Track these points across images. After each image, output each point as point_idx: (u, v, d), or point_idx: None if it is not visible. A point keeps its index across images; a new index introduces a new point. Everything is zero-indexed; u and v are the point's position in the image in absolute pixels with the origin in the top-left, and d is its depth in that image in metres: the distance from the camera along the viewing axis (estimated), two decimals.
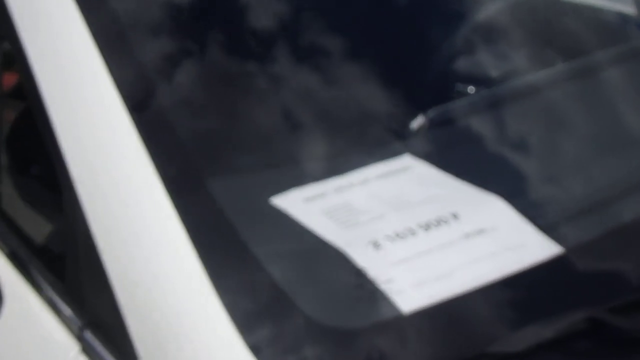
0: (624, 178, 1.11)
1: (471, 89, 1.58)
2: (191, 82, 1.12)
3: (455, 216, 1.02)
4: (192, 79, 1.12)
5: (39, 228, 1.27)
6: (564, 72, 1.45)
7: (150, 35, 1.14)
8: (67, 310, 1.02)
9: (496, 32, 1.66)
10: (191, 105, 1.10)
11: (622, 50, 1.53)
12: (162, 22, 1.17)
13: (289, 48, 1.29)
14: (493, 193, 1.07)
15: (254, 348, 0.82)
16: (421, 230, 1.00)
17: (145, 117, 1.00)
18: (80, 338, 0.98)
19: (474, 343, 0.85)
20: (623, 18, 1.81)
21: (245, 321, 0.84)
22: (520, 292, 0.94)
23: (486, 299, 0.92)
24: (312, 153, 1.17)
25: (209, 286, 0.85)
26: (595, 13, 1.89)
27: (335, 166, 1.13)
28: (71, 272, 1.04)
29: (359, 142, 1.23)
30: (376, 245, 0.96)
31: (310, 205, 1.02)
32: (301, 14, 1.38)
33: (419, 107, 1.29)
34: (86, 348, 0.97)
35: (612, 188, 1.09)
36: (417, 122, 1.29)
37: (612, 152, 1.19)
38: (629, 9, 1.84)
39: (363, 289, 0.89)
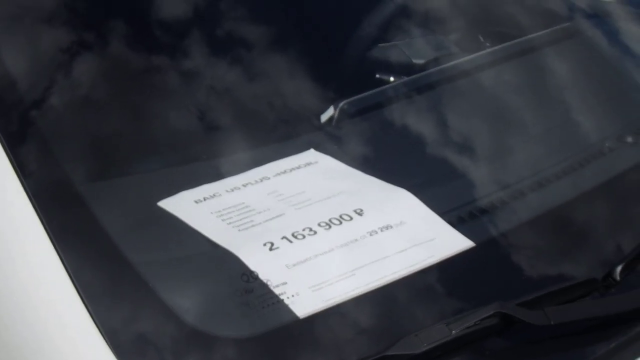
0: (537, 171, 1.05)
1: (391, 79, 1.52)
2: (64, 84, 1.01)
3: (360, 213, 0.95)
4: (64, 80, 1.02)
5: None
6: (484, 58, 1.39)
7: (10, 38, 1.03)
8: None
9: (417, 17, 1.61)
10: (69, 108, 1.00)
11: (557, 30, 1.48)
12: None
13: (182, 38, 1.20)
14: (402, 187, 1.00)
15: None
16: (322, 229, 0.92)
17: (10, 125, 0.90)
18: None
19: (375, 345, 0.78)
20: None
21: (116, 332, 0.75)
22: (427, 288, 0.87)
23: (390, 298, 0.84)
24: (209, 151, 1.09)
25: (76, 296, 0.76)
26: None
27: (235, 164, 1.05)
28: None
29: (264, 138, 1.15)
30: (272, 246, 0.88)
31: (201, 207, 0.94)
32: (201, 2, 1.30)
33: (334, 99, 1.22)
34: None
35: (524, 181, 1.02)
36: (327, 115, 1.21)
37: (528, 143, 1.13)
38: None
39: (253, 294, 0.81)
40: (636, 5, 1.66)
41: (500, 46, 1.45)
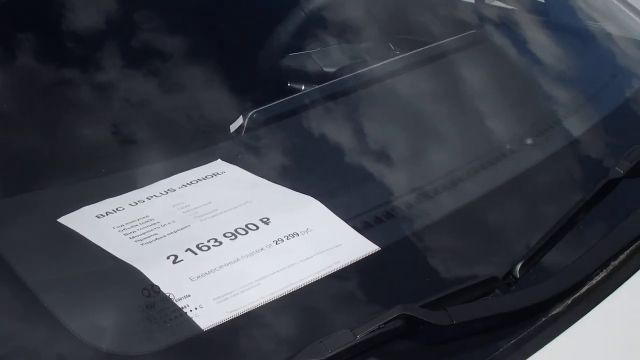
0: (441, 175, 1.07)
1: (303, 87, 1.53)
2: None
3: (266, 221, 0.95)
4: None
5: None
6: (393, 65, 1.41)
7: None
8: None
9: (328, 26, 1.62)
10: None
11: (463, 37, 1.51)
12: None
13: (88, 48, 1.18)
14: (310, 194, 1.01)
15: None
16: (227, 240, 0.91)
17: None
18: None
19: (280, 354, 0.77)
20: (462, 5, 1.81)
21: (10, 356, 0.73)
22: (333, 294, 0.88)
23: (296, 306, 0.84)
24: (114, 164, 1.07)
25: None
26: (434, 0, 1.88)
27: (141, 177, 1.04)
28: None
29: (172, 149, 1.14)
30: (176, 259, 0.87)
31: (103, 222, 0.92)
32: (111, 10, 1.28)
33: (246, 109, 1.22)
34: None
35: (429, 184, 1.04)
36: (236, 124, 1.21)
37: (433, 148, 1.15)
38: None
39: (155, 309, 0.79)
40: (539, 13, 1.71)
41: (409, 53, 1.47)
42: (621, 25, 1.62)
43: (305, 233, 0.93)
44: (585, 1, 1.66)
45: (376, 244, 0.92)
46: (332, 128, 1.21)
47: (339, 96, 1.30)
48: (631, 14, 1.62)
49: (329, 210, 0.96)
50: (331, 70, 1.58)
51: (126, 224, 0.92)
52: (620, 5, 1.63)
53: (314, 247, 0.91)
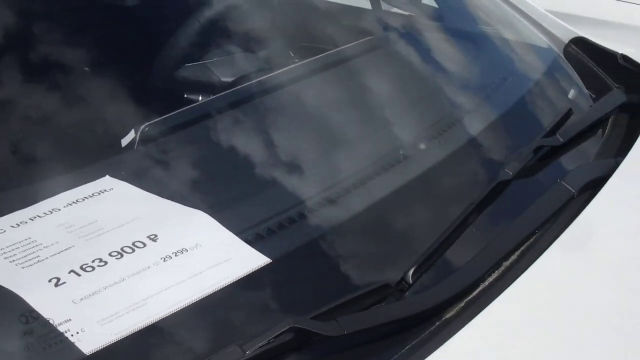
0: (333, 184, 1.06)
1: (200, 98, 1.50)
2: None
3: (154, 239, 0.92)
4: None
5: None
6: (292, 73, 1.40)
7: None
8: None
9: (225, 36, 1.60)
10: None
11: (362, 43, 1.52)
12: None
13: None
14: (202, 208, 0.99)
15: None
16: (113, 259, 0.88)
17: None
18: None
19: None
20: (360, 12, 1.82)
21: None
22: (223, 310, 0.86)
23: (183, 324, 0.82)
24: None
25: None
26: (331, 8, 1.88)
27: (25, 196, 0.99)
28: None
29: (59, 167, 1.10)
30: (58, 282, 0.84)
31: None
32: None
33: (141, 122, 1.19)
34: None
35: (321, 194, 1.04)
36: (128, 138, 1.18)
37: (325, 156, 1.14)
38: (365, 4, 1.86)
39: (33, 335, 0.76)
40: (434, 18, 1.74)
41: (307, 60, 1.47)
42: (513, 29, 1.66)
43: (195, 248, 0.91)
44: (477, 7, 1.69)
45: (268, 256, 0.91)
46: (228, 139, 1.19)
47: (235, 106, 1.29)
48: (522, 18, 1.67)
49: (219, 224, 0.94)
50: (229, 79, 1.56)
51: (6, 247, 0.88)
52: (511, 10, 1.67)
53: (203, 263, 0.89)
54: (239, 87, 1.37)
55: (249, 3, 1.66)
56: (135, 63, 1.51)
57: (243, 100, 1.31)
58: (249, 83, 1.38)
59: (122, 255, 0.89)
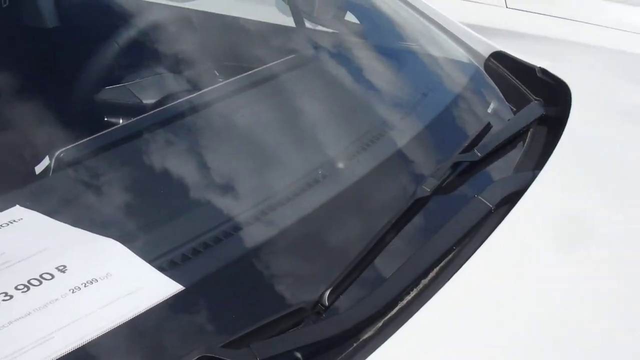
0: (249, 207, 1.05)
1: (120, 121, 1.48)
2: None
3: (62, 270, 0.90)
4: None
5: None
6: (216, 92, 1.39)
7: None
8: None
9: (147, 56, 1.58)
10: None
11: (286, 61, 1.52)
12: None
13: None
14: (115, 236, 0.96)
15: None
16: (19, 293, 0.86)
17: None
18: None
19: None
20: (284, 30, 1.82)
21: None
22: (133, 341, 0.84)
23: (90, 356, 0.80)
24: None
25: None
26: (255, 26, 1.88)
27: None
28: None
29: None
30: None
31: None
32: None
33: (58, 147, 1.16)
34: None
35: (235, 218, 1.02)
36: (42, 165, 1.15)
37: (248, 178, 1.13)
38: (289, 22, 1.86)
39: None
40: (358, 35, 1.75)
41: (230, 80, 1.46)
42: (434, 45, 1.68)
43: (105, 278, 0.89)
44: (399, 23, 1.70)
45: (181, 283, 0.89)
46: (146, 163, 1.17)
47: (155, 129, 1.27)
48: (443, 34, 1.69)
49: (131, 252, 0.92)
50: (150, 101, 1.54)
51: None
52: (432, 26, 1.69)
53: (113, 293, 0.87)
54: (159, 109, 1.35)
55: (169, 23, 1.64)
56: (53, 86, 1.48)
57: (163, 122, 1.29)
58: (170, 104, 1.37)
59: (28, 289, 0.86)
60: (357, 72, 1.52)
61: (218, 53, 1.71)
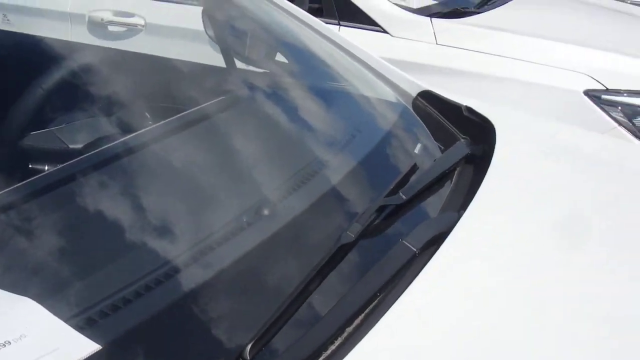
0: (174, 256, 1.04)
1: (46, 167, 1.45)
2: None
3: None
4: None
5: None
6: (146, 135, 1.38)
7: None
8: None
9: (74, 99, 1.56)
10: None
11: (217, 102, 1.51)
12: None
13: None
14: (30, 294, 0.94)
15: None
16: None
17: None
18: None
19: None
20: (216, 71, 1.82)
21: None
22: None
23: None
24: None
25: None
26: (186, 67, 1.88)
27: None
28: None
29: None
30: None
31: None
32: None
33: None
34: None
35: (157, 271, 1.01)
36: None
37: (170, 229, 1.12)
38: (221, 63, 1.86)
39: None
40: (288, 75, 1.76)
41: (161, 122, 1.45)
42: (363, 85, 1.70)
43: (20, 340, 0.87)
44: (328, 63, 1.72)
45: (98, 342, 0.87)
46: (68, 213, 1.15)
47: (80, 176, 1.24)
48: (371, 74, 1.71)
49: (47, 311, 0.90)
50: (77, 146, 1.52)
51: None
52: (360, 66, 1.71)
53: (28, 355, 0.85)
54: (87, 154, 1.33)
55: (97, 65, 1.63)
56: None
57: (89, 169, 1.27)
58: (98, 149, 1.35)
59: None
60: (286, 113, 1.53)
61: (148, 95, 1.70)
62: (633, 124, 2.48)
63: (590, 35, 2.86)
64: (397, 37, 2.54)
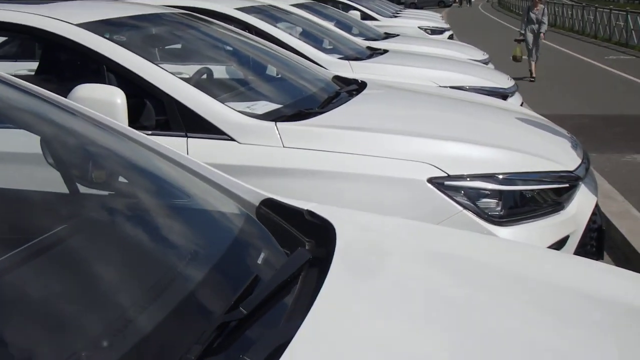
0: None
1: None
2: None
3: None
4: None
5: None
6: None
7: None
8: None
9: None
10: None
11: (61, 230, 1.49)
12: None
13: None
14: None
15: None
16: None
17: None
18: None
19: None
20: (58, 198, 1.79)
21: None
22: None
23: None
24: None
25: None
26: (25, 195, 1.84)
27: None
28: None
29: None
30: None
31: None
32: None
33: None
34: None
35: None
36: None
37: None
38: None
39: None
40: (129, 196, 1.76)
41: (7, 255, 1.42)
42: (204, 199, 1.73)
43: None
44: (170, 181, 1.74)
45: None
46: None
47: None
48: (212, 187, 1.74)
49: None
50: None
51: None
52: (200, 180, 1.74)
53: None
54: None
55: None
56: None
57: None
58: None
59: None
60: (127, 237, 1.53)
61: None
62: (477, 206, 2.62)
63: (430, 126, 3.04)
64: (244, 143, 2.60)
